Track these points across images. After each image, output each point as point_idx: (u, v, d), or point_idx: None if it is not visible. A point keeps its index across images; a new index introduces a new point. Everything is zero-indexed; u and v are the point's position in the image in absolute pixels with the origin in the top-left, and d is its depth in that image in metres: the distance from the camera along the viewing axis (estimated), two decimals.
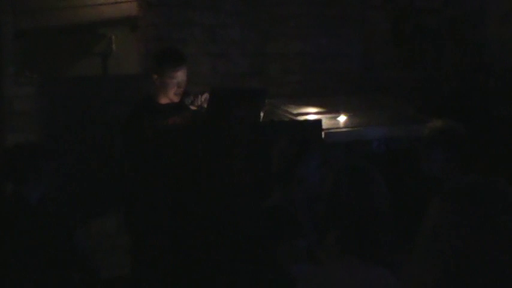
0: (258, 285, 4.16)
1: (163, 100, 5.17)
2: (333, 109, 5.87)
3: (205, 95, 5.10)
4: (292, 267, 3.84)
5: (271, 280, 4.01)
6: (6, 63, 6.06)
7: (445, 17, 7.39)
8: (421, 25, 7.36)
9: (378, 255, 2.72)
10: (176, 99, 5.16)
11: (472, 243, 1.76)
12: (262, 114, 5.03)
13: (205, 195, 4.76)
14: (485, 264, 1.75)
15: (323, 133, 5.22)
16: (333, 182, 2.86)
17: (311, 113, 5.82)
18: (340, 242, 2.77)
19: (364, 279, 2.65)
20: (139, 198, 5.00)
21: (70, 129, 6.11)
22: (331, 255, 2.80)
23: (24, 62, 6.86)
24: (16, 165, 4.16)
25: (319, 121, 5.25)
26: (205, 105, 5.08)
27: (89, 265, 4.34)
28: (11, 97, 6.04)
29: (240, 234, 4.50)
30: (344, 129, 5.58)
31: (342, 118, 5.74)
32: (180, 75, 5.13)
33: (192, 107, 5.15)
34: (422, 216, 1.89)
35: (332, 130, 5.45)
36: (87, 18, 7.51)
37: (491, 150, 5.78)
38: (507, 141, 6.13)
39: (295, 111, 5.78)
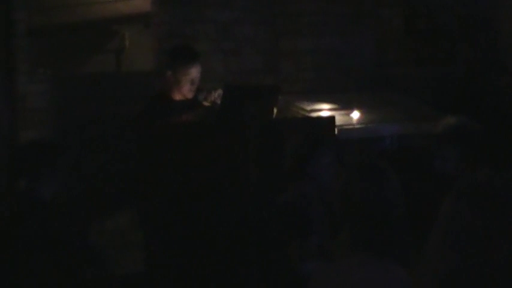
0: (270, 282, 4.16)
1: (177, 97, 5.18)
2: (345, 106, 5.86)
3: (219, 92, 5.10)
4: (305, 264, 3.84)
5: (283, 277, 4.01)
6: (20, 61, 6.09)
7: (457, 14, 7.36)
8: (433, 22, 7.34)
9: (391, 252, 2.71)
10: (190, 95, 5.17)
11: (487, 239, 1.75)
12: (275, 111, 5.03)
13: (217, 192, 4.76)
14: (500, 260, 1.74)
15: (336, 130, 5.21)
16: (346, 179, 2.85)
17: (324, 110, 5.82)
18: (353, 239, 2.76)
19: (377, 277, 2.65)
20: (152, 195, 5.01)
21: (83, 126, 6.13)
22: (343, 252, 2.80)
23: (37, 59, 6.89)
24: (29, 162, 4.17)
25: (332, 118, 5.24)
26: (218, 102, 5.09)
27: (102, 261, 4.35)
28: (25, 94, 6.07)
29: (252, 231, 4.51)
30: (357, 126, 5.58)
31: (355, 115, 5.73)
32: (194, 72, 5.15)
33: (205, 104, 5.17)
34: (436, 214, 1.89)
35: (345, 127, 5.45)
36: (100, 15, 7.54)
37: (505, 148, 5.75)
38: None
39: (308, 108, 5.77)
